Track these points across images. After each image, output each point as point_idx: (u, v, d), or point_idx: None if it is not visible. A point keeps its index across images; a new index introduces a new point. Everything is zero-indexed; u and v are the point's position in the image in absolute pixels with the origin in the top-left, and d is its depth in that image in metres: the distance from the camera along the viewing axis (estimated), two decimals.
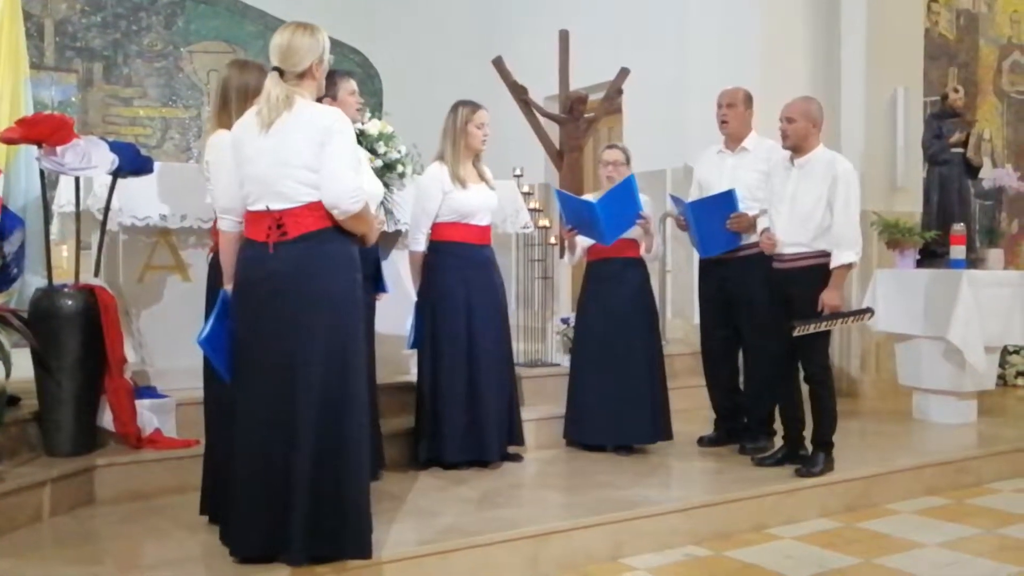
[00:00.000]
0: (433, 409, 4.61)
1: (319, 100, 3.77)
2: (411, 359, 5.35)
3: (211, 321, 3.38)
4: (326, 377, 3.13)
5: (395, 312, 5.31)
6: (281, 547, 3.12)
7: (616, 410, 4.97)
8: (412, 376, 5.12)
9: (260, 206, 3.18)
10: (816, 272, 4.52)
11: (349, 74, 4.25)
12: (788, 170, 4.67)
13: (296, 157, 3.11)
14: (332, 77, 4.11)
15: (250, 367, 3.21)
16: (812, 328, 4.46)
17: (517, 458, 4.86)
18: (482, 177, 4.76)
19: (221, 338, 3.33)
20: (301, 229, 3.14)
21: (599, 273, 5.12)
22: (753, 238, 4.92)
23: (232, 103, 3.55)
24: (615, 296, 5.04)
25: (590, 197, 5.23)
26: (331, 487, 3.11)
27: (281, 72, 3.17)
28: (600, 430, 5.03)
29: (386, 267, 5.31)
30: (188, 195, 4.67)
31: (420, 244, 4.70)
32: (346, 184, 3.11)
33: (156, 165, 4.42)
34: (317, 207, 3.14)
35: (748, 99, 5.17)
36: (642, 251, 5.09)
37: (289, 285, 3.13)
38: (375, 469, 4.13)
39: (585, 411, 5.05)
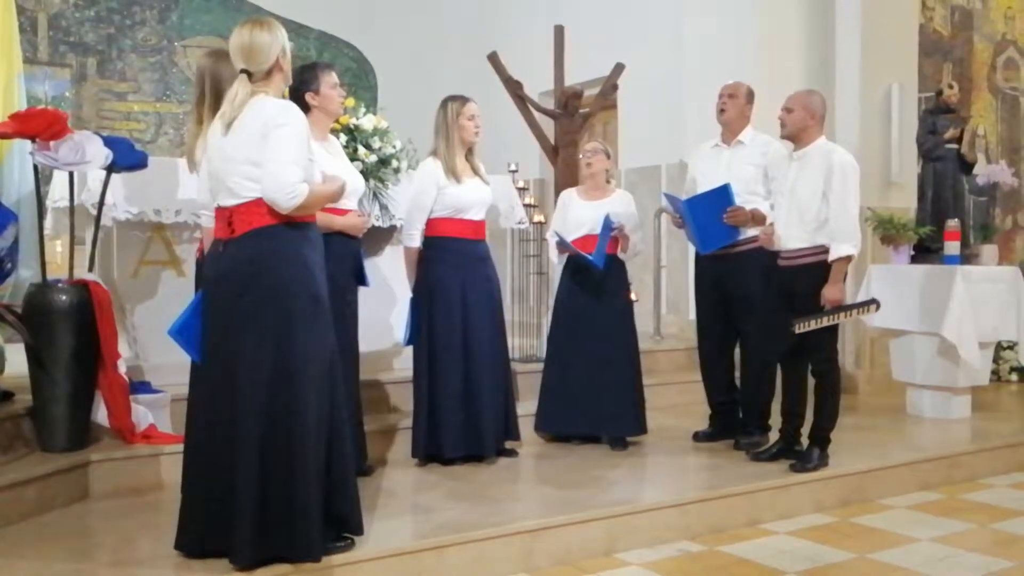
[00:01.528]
0: (430, 405, 4.61)
1: (296, 91, 3.76)
2: (403, 355, 5.35)
3: (185, 314, 3.40)
4: (271, 377, 3.10)
5: (391, 308, 5.32)
6: (225, 547, 3.12)
7: (589, 401, 5.00)
8: (404, 372, 5.13)
9: (216, 203, 3.21)
10: (818, 269, 4.49)
11: (330, 66, 4.22)
12: (789, 163, 4.67)
13: (242, 152, 3.10)
14: (314, 70, 4.09)
15: (205, 366, 3.23)
16: (814, 324, 4.44)
17: (512, 453, 4.87)
18: (475, 171, 4.75)
19: (196, 329, 3.33)
20: (246, 226, 3.12)
21: (575, 267, 5.13)
22: (750, 232, 4.93)
23: (224, 90, 3.55)
24: (589, 288, 5.06)
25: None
26: (278, 488, 3.10)
27: (249, 74, 3.17)
28: (572, 420, 5.06)
29: (380, 263, 5.34)
30: (182, 190, 4.66)
31: (415, 240, 4.68)
32: (282, 179, 3.04)
33: (150, 160, 4.41)
34: (262, 202, 3.11)
35: (750, 94, 5.16)
36: (619, 251, 5.10)
37: (234, 283, 3.12)
38: (359, 465, 4.12)
39: (557, 402, 5.08)
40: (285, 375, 3.11)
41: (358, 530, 3.36)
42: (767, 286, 4.74)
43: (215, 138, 3.20)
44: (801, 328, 4.43)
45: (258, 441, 3.09)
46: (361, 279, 4.33)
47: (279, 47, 3.20)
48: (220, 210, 3.19)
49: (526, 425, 5.07)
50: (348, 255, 4.17)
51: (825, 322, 4.47)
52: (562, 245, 5.10)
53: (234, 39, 3.19)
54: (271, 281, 3.11)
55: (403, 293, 5.07)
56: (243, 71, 3.17)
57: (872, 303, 4.75)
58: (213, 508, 3.15)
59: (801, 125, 4.57)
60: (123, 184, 4.52)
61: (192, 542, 3.22)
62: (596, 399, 5.00)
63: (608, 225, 4.97)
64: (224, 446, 3.12)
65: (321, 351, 3.20)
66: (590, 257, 4.92)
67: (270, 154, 3.06)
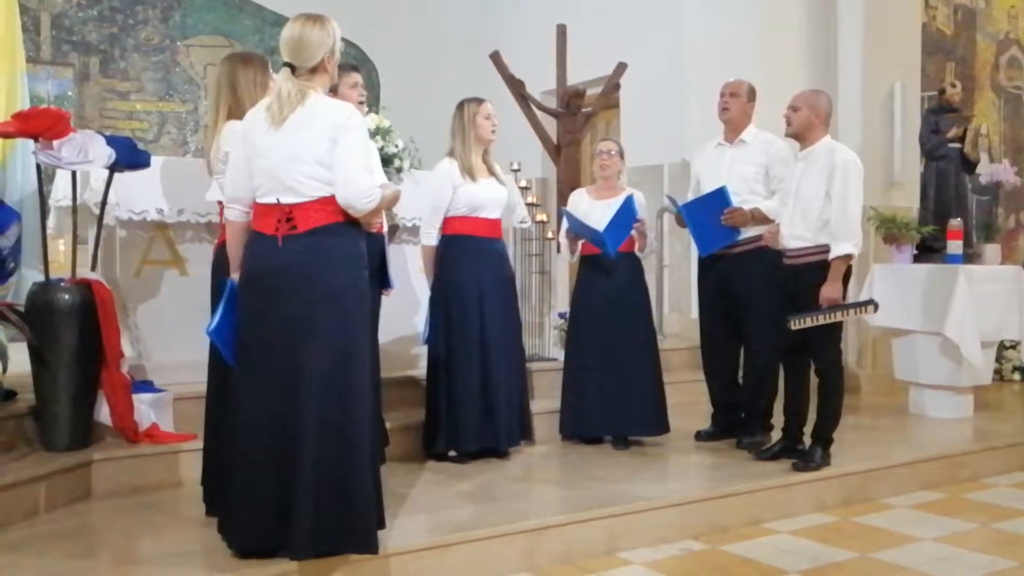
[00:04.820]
0: (448, 400, 4.65)
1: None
2: (404, 354, 5.35)
3: (219, 311, 3.38)
4: (331, 371, 3.13)
5: (393, 308, 5.31)
6: (283, 542, 3.11)
7: (612, 402, 4.99)
8: (415, 371, 5.13)
9: (270, 199, 3.19)
10: (820, 268, 4.49)
11: (354, 67, 4.22)
12: (795, 163, 4.67)
13: (308, 152, 3.12)
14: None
15: (254, 359, 3.20)
16: (809, 322, 4.44)
17: (505, 453, 4.85)
18: (492, 172, 4.79)
19: (229, 328, 3.33)
20: (311, 223, 3.15)
21: (593, 266, 5.13)
22: (752, 232, 4.93)
23: (242, 93, 3.56)
24: (609, 288, 5.05)
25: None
26: (336, 481, 3.11)
27: (293, 68, 3.17)
28: (597, 422, 5.04)
29: None
30: (185, 189, 4.67)
31: (432, 238, 4.75)
32: (360, 185, 3.12)
33: (153, 159, 4.41)
34: (328, 202, 3.15)
35: (751, 92, 5.17)
36: (635, 249, 5.10)
37: (297, 278, 3.13)
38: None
39: (581, 404, 5.06)
40: (345, 368, 3.15)
41: (380, 525, 3.35)
42: (769, 285, 4.75)
43: (263, 132, 3.17)
44: (796, 325, 4.43)
45: (320, 434, 3.10)
46: (385, 281, 4.36)
47: (328, 47, 3.20)
48: (273, 206, 3.18)
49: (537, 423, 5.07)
50: (373, 255, 4.18)
51: (821, 320, 4.46)
52: (571, 221, 5.05)
53: (285, 31, 3.21)
54: (337, 277, 3.15)
55: (405, 293, 5.07)
56: (287, 64, 3.18)
57: (870, 303, 4.74)
58: (276, 505, 3.12)
59: (806, 124, 4.57)
60: (126, 183, 4.51)
61: (251, 541, 3.17)
62: (619, 400, 4.99)
63: (631, 212, 4.92)
64: (285, 441, 3.11)
65: (369, 344, 3.30)
66: (600, 232, 4.88)
67: (344, 159, 3.11)
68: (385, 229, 4.48)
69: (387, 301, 4.56)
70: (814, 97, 4.63)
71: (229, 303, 3.35)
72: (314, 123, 3.13)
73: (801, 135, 4.61)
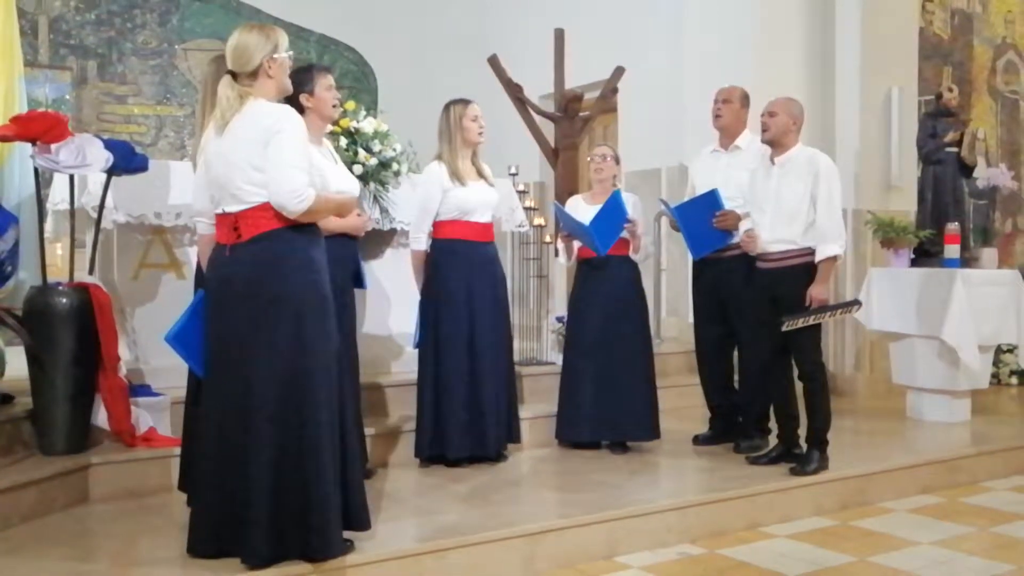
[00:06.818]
0: (436, 406, 4.62)
1: (293, 96, 3.67)
2: (402, 359, 5.35)
3: (182, 319, 3.42)
4: (284, 378, 3.11)
5: (391, 311, 5.32)
6: (236, 547, 3.12)
7: (605, 407, 4.98)
8: (406, 375, 5.13)
9: (220, 209, 3.21)
10: (803, 270, 4.55)
11: (327, 69, 4.20)
12: (768, 169, 4.69)
13: (243, 158, 3.11)
14: (310, 72, 4.06)
15: (213, 367, 3.23)
16: (801, 322, 4.48)
17: (502, 456, 4.84)
18: (481, 174, 4.76)
19: (193, 335, 3.36)
20: (253, 231, 3.13)
21: (589, 270, 5.12)
22: (739, 238, 4.94)
23: None
24: (605, 292, 5.05)
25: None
26: (294, 488, 3.10)
27: (235, 75, 3.18)
28: (591, 428, 5.03)
29: (382, 265, 5.34)
30: (183, 193, 4.65)
31: (422, 243, 4.71)
32: (289, 184, 3.06)
33: (151, 163, 4.41)
34: (268, 207, 3.12)
35: (745, 98, 5.18)
36: (630, 252, 5.10)
37: (243, 287, 3.13)
38: (361, 466, 4.11)
39: (575, 409, 5.05)
40: (298, 375, 3.13)
41: (365, 526, 3.37)
42: (755, 291, 4.76)
43: (212, 143, 3.20)
44: (789, 326, 4.47)
45: (272, 442, 3.10)
46: (359, 281, 4.33)
47: (266, 51, 3.18)
48: (224, 216, 3.20)
49: (527, 428, 5.05)
50: (347, 257, 4.17)
51: (812, 320, 4.52)
52: (560, 216, 5.05)
53: (228, 41, 3.22)
54: (282, 284, 3.13)
55: (402, 296, 5.07)
56: (229, 71, 3.19)
57: (855, 303, 4.90)
58: (227, 511, 3.14)
59: (784, 130, 4.62)
60: (123, 187, 4.51)
61: (205, 545, 3.20)
62: (612, 406, 4.97)
63: (619, 208, 4.91)
64: (237, 449, 3.12)
65: (330, 350, 3.24)
66: (587, 226, 4.87)
67: (274, 160, 3.07)
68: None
69: (380, 305, 4.53)
70: (790, 104, 4.67)
71: (194, 312, 3.39)
72: (248, 128, 3.12)
73: (778, 141, 4.64)
